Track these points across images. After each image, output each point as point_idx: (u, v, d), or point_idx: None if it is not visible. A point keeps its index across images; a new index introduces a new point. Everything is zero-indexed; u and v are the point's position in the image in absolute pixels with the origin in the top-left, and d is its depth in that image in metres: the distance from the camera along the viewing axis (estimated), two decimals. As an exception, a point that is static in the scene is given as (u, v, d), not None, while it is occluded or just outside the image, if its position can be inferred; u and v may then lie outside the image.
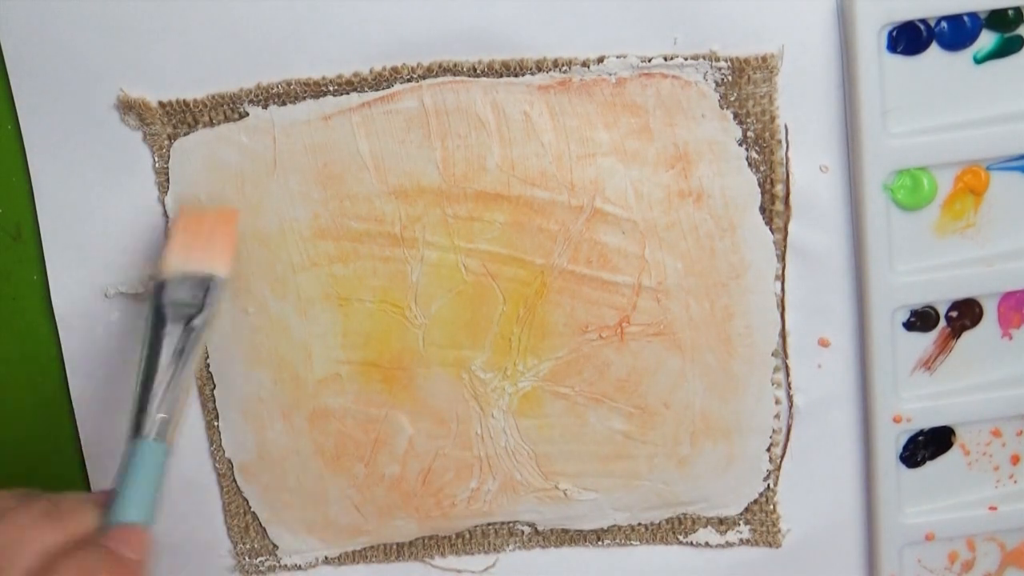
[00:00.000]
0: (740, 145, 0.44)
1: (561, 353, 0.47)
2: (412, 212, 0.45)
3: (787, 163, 0.44)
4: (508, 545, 0.51)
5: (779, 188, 0.44)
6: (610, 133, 0.44)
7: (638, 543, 0.50)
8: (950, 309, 0.46)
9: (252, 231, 0.46)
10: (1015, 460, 0.48)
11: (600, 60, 0.43)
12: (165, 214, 0.46)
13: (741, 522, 0.50)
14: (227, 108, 0.45)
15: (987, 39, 0.43)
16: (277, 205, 0.46)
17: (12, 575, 0.35)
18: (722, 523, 0.50)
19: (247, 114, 0.45)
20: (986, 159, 0.44)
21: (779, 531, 0.49)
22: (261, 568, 0.51)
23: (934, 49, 0.43)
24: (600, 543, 0.50)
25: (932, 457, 0.47)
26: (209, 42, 0.44)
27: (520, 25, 0.43)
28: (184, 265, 0.35)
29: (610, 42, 0.44)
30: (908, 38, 0.43)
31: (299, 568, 0.51)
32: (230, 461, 0.49)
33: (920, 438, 0.47)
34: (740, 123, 0.44)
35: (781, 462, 0.49)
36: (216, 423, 0.49)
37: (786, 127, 0.44)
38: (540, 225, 0.45)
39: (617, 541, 0.50)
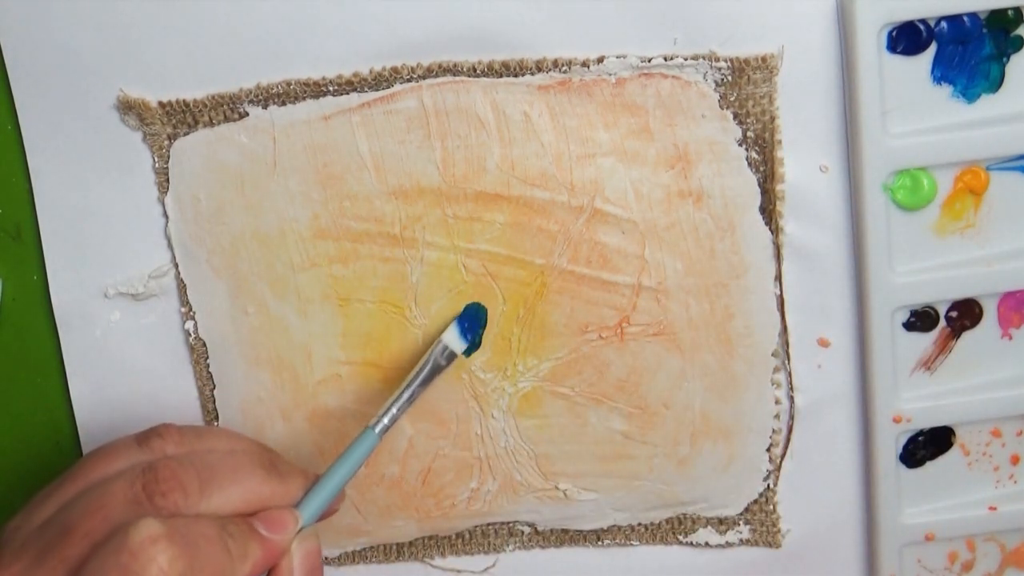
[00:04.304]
0: (740, 145, 0.44)
1: (561, 353, 0.47)
2: (412, 212, 0.45)
3: (777, 162, 0.44)
4: (508, 545, 0.51)
5: (779, 188, 0.44)
6: (610, 133, 0.44)
7: (638, 543, 0.50)
8: (950, 309, 0.46)
9: (252, 231, 0.46)
10: (1015, 460, 0.48)
11: (600, 60, 0.44)
12: (165, 214, 0.46)
13: (741, 522, 0.50)
14: (227, 108, 0.45)
15: (987, 39, 0.43)
16: (277, 205, 0.46)
17: (213, 501, 0.37)
18: (722, 523, 0.50)
19: (247, 114, 0.45)
20: (986, 159, 0.44)
21: (779, 531, 0.49)
22: (261, 568, 0.51)
23: (934, 49, 0.43)
24: (600, 543, 0.50)
25: (932, 457, 0.48)
26: (209, 42, 0.44)
27: (520, 25, 0.43)
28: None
29: (610, 42, 0.44)
30: (908, 38, 0.43)
31: (299, 568, 0.51)
32: (230, 461, 0.49)
33: (920, 438, 0.47)
34: (740, 123, 0.44)
35: (781, 462, 0.49)
36: (216, 423, 0.49)
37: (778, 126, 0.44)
38: (540, 225, 0.45)
39: (617, 541, 0.50)
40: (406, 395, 0.43)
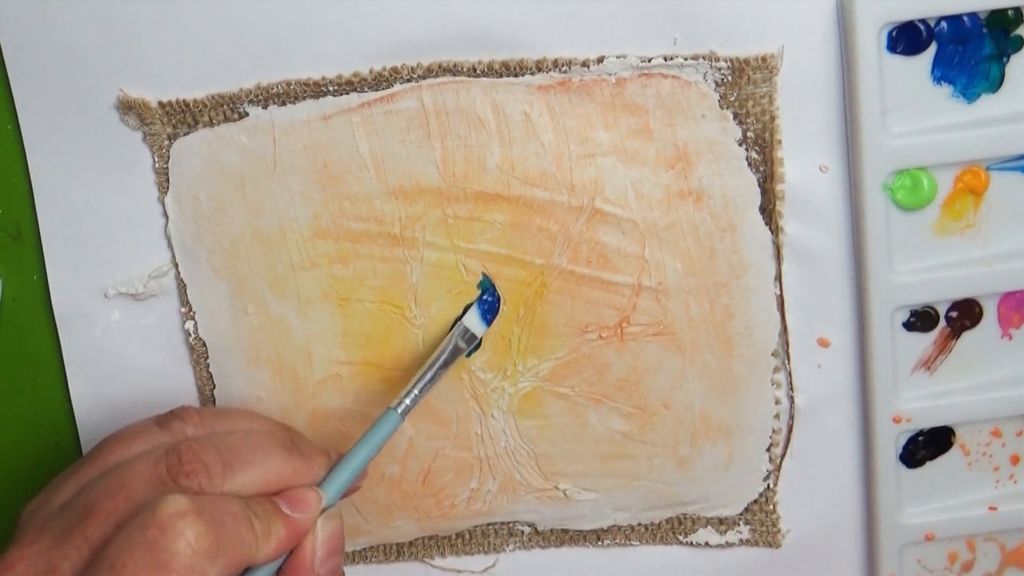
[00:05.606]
0: (740, 145, 0.44)
1: (561, 353, 0.47)
2: (412, 212, 0.45)
3: (775, 162, 0.44)
4: (508, 545, 0.51)
5: (779, 188, 0.44)
6: (610, 133, 0.44)
7: (638, 543, 0.50)
8: (950, 309, 0.46)
9: (252, 231, 0.46)
10: (1015, 460, 0.48)
11: (600, 60, 0.44)
12: (165, 214, 0.46)
13: (741, 522, 0.50)
14: (227, 108, 0.45)
15: (987, 39, 0.43)
16: (277, 205, 0.46)
17: (236, 481, 0.37)
18: (722, 523, 0.50)
19: (247, 114, 0.45)
20: (986, 159, 0.44)
21: (779, 531, 0.49)
22: (261, 568, 0.51)
23: (934, 49, 0.43)
24: (600, 543, 0.50)
25: (932, 457, 0.48)
26: (209, 42, 0.44)
27: (520, 25, 0.43)
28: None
29: (610, 42, 0.44)
30: (908, 38, 0.43)
31: (299, 568, 0.51)
32: (230, 461, 0.49)
33: (920, 438, 0.47)
34: (740, 123, 0.44)
35: (781, 462, 0.49)
36: (216, 423, 0.49)
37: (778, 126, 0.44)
38: (540, 225, 0.45)
39: (617, 541, 0.50)
40: (428, 376, 0.44)
